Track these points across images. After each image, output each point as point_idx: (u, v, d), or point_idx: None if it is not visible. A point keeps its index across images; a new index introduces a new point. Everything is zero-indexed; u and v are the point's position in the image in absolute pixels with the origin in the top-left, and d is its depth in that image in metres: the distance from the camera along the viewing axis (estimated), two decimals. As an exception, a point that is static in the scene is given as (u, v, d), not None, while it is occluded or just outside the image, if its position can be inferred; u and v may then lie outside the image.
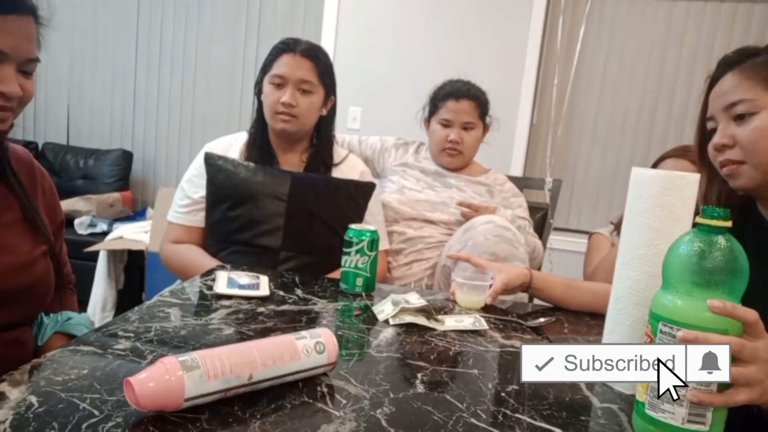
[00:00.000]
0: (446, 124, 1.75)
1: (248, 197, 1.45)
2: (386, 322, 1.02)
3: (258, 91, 1.56)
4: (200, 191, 1.50)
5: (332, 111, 1.59)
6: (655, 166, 1.69)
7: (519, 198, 1.82)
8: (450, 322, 1.04)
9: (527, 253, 1.58)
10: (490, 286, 1.18)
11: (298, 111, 1.48)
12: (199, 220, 1.51)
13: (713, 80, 0.96)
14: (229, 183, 1.47)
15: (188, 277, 1.28)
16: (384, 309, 1.07)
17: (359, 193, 1.55)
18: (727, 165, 0.92)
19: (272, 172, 1.49)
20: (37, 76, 0.98)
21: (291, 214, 1.45)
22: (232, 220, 1.45)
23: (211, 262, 1.41)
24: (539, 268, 1.81)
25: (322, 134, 1.59)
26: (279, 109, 1.48)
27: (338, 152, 1.63)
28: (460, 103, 1.75)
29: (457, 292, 1.18)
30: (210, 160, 1.50)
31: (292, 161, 1.55)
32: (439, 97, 1.78)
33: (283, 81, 1.48)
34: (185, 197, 1.53)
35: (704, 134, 0.98)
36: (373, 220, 1.57)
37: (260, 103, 1.56)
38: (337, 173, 1.57)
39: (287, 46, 1.50)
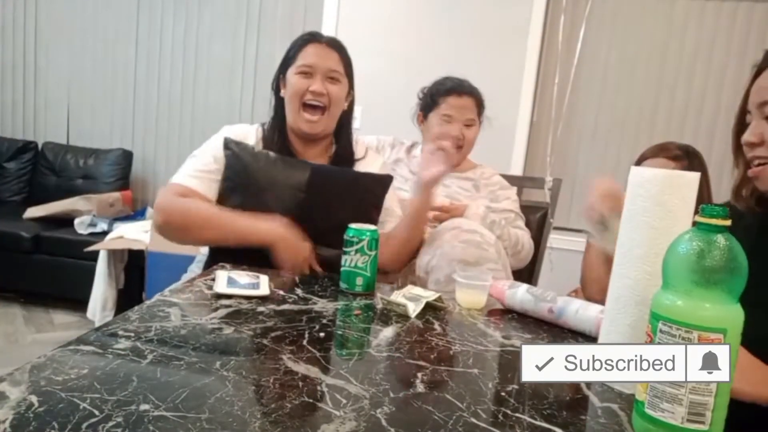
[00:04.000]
0: (448, 120, 1.74)
1: (266, 187, 1.40)
2: (387, 320, 1.03)
3: (276, 87, 1.53)
4: (215, 166, 1.43)
5: (351, 106, 1.57)
6: (639, 163, 1.66)
7: (507, 191, 1.80)
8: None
9: (505, 249, 1.56)
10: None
11: (327, 100, 1.46)
12: (206, 189, 1.41)
13: (758, 71, 0.89)
14: (246, 171, 1.41)
15: (187, 231, 1.30)
16: (408, 305, 1.08)
17: (377, 186, 1.51)
18: (754, 162, 0.87)
19: (291, 162, 1.44)
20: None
21: (309, 205, 1.40)
22: (249, 210, 1.38)
23: (217, 211, 1.35)
24: (534, 264, 1.81)
25: (343, 130, 1.56)
26: (307, 99, 1.44)
27: (357, 149, 1.60)
28: (462, 99, 1.74)
29: (457, 292, 1.18)
30: (229, 145, 1.44)
31: (313, 157, 1.51)
32: (441, 93, 1.76)
33: (312, 70, 1.45)
34: (199, 163, 1.44)
35: (742, 126, 0.92)
36: (386, 214, 1.53)
37: (278, 99, 1.52)
38: (360, 168, 1.54)
39: (312, 37, 1.49)
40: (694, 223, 0.67)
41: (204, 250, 1.54)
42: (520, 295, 1.12)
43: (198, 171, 1.43)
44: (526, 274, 1.79)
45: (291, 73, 1.47)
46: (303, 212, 1.38)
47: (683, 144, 1.66)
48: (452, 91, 1.75)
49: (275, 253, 1.32)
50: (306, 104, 1.46)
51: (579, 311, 1.03)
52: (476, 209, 1.64)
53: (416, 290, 1.16)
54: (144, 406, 0.64)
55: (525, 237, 1.73)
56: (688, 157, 1.62)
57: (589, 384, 0.83)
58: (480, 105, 1.78)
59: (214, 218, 1.35)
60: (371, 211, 1.46)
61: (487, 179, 1.80)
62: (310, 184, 1.40)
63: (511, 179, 1.88)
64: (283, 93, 1.51)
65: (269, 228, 1.33)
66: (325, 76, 1.46)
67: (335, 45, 1.50)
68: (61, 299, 3.20)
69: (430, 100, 1.79)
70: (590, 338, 1.01)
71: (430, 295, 1.13)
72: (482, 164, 1.87)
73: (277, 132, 1.51)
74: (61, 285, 3.16)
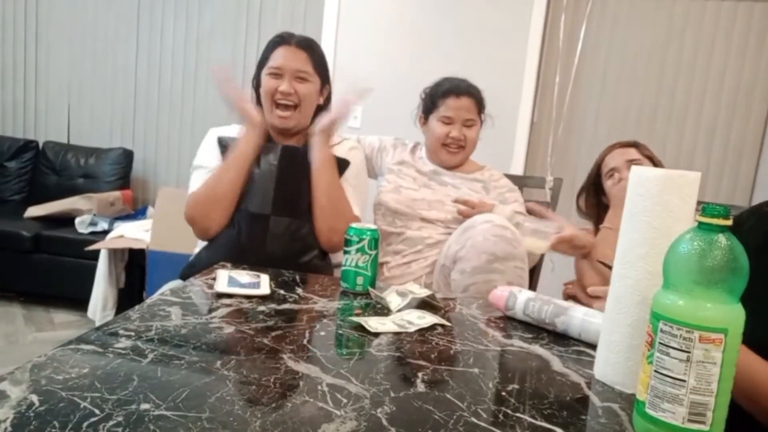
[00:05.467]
0: (448, 122, 1.75)
1: (252, 167, 1.51)
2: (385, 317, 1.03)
3: (255, 85, 1.61)
4: (217, 165, 1.54)
5: (328, 100, 1.64)
6: (601, 160, 1.81)
7: (515, 193, 1.81)
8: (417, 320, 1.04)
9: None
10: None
11: (296, 99, 1.54)
12: None
13: None
14: None
15: (216, 197, 1.45)
16: (392, 300, 1.11)
17: (339, 166, 1.58)
18: None
19: (268, 146, 1.54)
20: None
21: (281, 178, 1.50)
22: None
23: (220, 165, 1.50)
24: (535, 263, 1.81)
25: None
26: (277, 98, 1.53)
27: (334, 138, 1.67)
28: (461, 100, 1.74)
29: (524, 237, 1.26)
30: (223, 141, 1.57)
31: (291, 141, 1.59)
32: (439, 95, 1.77)
33: (281, 71, 1.54)
34: (207, 171, 1.55)
35: None
36: (347, 184, 1.58)
37: (258, 96, 1.60)
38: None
39: (282, 39, 1.57)
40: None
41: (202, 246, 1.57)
42: (519, 315, 1.08)
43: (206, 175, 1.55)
44: (528, 273, 1.78)
45: (263, 74, 1.57)
46: (277, 183, 1.50)
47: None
48: (450, 92, 1.76)
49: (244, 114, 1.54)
50: (278, 103, 1.54)
51: (582, 335, 1.00)
52: (502, 210, 1.66)
53: (411, 287, 1.16)
54: (144, 406, 0.64)
55: None
56: (639, 144, 1.79)
57: (589, 384, 0.83)
58: (479, 104, 1.78)
59: (222, 166, 1.49)
60: None
61: (496, 181, 1.81)
62: (280, 161, 1.51)
63: (512, 179, 1.88)
64: (261, 89, 1.60)
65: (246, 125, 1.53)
66: (293, 77, 1.54)
67: (304, 45, 1.57)
68: (62, 298, 3.20)
69: (430, 102, 1.80)
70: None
71: (421, 293, 1.13)
72: (487, 165, 1.87)
73: None
74: (61, 284, 3.16)
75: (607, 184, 1.77)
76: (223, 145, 1.57)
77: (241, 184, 1.48)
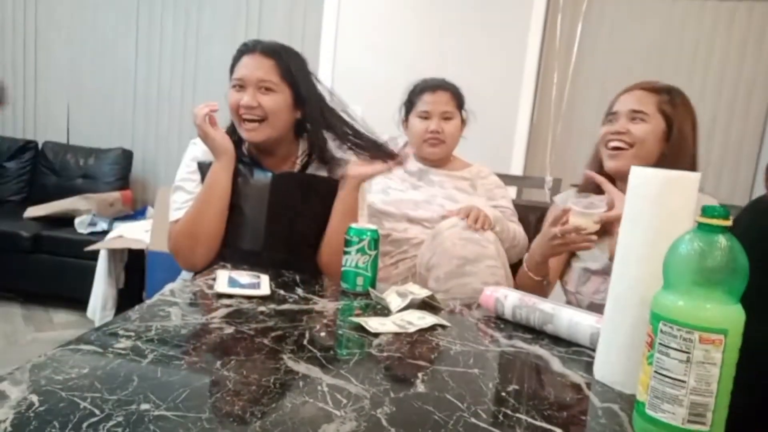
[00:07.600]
0: (425, 116, 1.78)
1: (239, 200, 1.41)
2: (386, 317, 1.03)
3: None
4: (198, 188, 1.45)
5: (312, 109, 1.45)
6: (616, 99, 1.52)
7: (502, 190, 1.83)
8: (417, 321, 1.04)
9: (502, 241, 1.58)
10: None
11: (261, 112, 1.39)
12: None
13: None
14: None
15: (196, 234, 1.36)
16: (392, 301, 1.11)
17: (334, 189, 1.47)
18: None
19: (257, 173, 1.44)
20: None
21: (275, 210, 1.41)
22: (228, 218, 1.41)
23: (196, 199, 1.40)
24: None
25: (311, 135, 1.48)
26: (241, 112, 1.39)
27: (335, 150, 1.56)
28: (436, 94, 1.78)
29: (570, 217, 1.30)
30: (203, 168, 1.45)
31: (274, 164, 1.48)
32: (416, 93, 1.82)
33: (243, 83, 1.39)
34: (187, 193, 1.47)
35: None
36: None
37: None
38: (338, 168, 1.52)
39: (246, 48, 1.43)
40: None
41: None
42: (511, 319, 1.08)
43: (186, 202, 1.45)
44: (507, 268, 1.77)
45: (229, 87, 1.44)
46: (268, 219, 1.41)
47: (669, 84, 1.45)
48: (426, 88, 1.80)
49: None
50: (243, 117, 1.40)
51: (571, 338, 0.99)
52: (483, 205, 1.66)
53: (412, 287, 1.16)
54: (144, 406, 0.64)
55: (520, 232, 1.73)
56: (670, 93, 1.41)
57: (589, 384, 0.83)
58: (457, 99, 1.81)
59: (200, 200, 1.40)
60: (327, 212, 1.44)
61: (483, 178, 1.82)
62: (271, 192, 1.41)
63: (511, 179, 1.89)
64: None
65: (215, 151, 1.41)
66: (257, 87, 1.39)
67: (271, 51, 1.40)
68: (61, 299, 3.20)
69: (408, 102, 1.85)
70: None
71: (421, 293, 1.13)
72: (476, 163, 1.88)
73: (237, 141, 1.46)
74: (61, 284, 3.16)
75: (601, 129, 1.49)
76: (203, 172, 1.44)
77: (224, 216, 1.39)
